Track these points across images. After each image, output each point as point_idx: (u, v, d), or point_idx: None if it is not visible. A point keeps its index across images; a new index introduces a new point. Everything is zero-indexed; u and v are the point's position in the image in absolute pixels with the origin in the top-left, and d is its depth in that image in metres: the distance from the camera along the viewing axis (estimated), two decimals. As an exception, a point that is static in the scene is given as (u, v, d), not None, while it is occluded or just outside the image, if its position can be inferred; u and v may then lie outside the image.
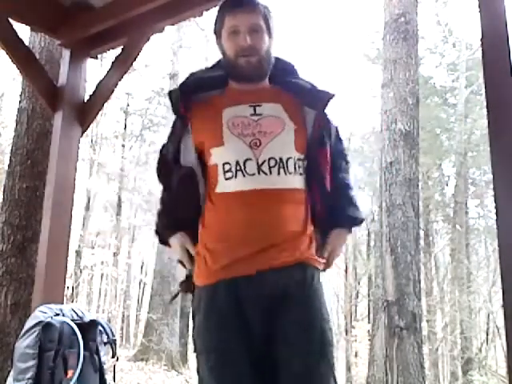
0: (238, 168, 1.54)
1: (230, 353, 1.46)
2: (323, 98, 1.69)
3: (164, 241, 1.72)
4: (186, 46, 11.71)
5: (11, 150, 4.05)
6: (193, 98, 1.67)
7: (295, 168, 1.58)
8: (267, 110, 1.63)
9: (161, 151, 1.79)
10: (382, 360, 5.27)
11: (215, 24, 1.73)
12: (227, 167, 1.56)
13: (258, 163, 1.53)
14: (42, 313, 2.51)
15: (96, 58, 3.38)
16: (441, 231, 15.78)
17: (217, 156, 1.59)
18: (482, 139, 12.98)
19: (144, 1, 2.77)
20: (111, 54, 3.42)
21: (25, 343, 2.42)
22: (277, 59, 1.75)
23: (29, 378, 2.37)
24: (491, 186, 1.77)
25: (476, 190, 14.93)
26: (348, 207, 1.69)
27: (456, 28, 14.40)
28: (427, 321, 11.56)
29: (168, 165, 1.71)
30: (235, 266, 1.50)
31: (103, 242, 14.91)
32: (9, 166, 4.01)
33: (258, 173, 1.53)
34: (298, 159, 1.60)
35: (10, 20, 3.06)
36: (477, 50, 12.92)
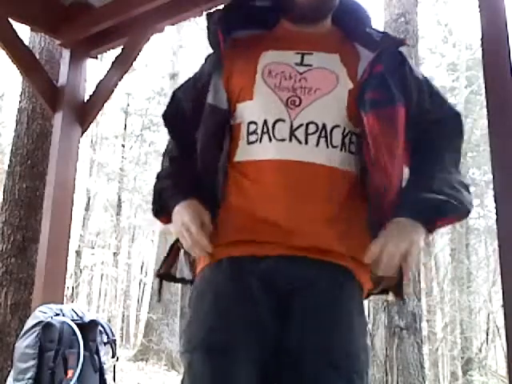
0: (265, 130, 1.18)
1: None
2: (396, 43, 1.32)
3: (164, 211, 1.28)
4: (186, 46, 11.71)
5: (11, 150, 4.05)
6: (232, 32, 1.31)
7: (343, 142, 1.19)
8: (318, 61, 1.24)
9: (174, 93, 1.44)
10: (382, 360, 5.28)
11: None
12: (252, 128, 1.21)
13: (291, 126, 1.17)
14: (42, 313, 2.51)
15: (96, 57, 3.38)
16: (441, 231, 15.78)
17: (243, 112, 1.23)
18: (482, 139, 12.98)
19: (144, 1, 2.77)
20: (111, 54, 3.42)
21: (25, 343, 2.42)
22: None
23: (29, 378, 2.37)
24: (491, 186, 1.76)
25: (476, 190, 14.93)
26: (425, 192, 1.17)
27: (456, 28, 14.40)
28: (427, 321, 11.55)
29: (182, 111, 1.38)
30: None
31: (103, 242, 14.91)
32: (9, 166, 4.01)
33: (290, 139, 1.16)
34: (350, 132, 1.20)
35: (10, 20, 3.06)
36: (477, 50, 12.91)
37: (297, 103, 1.18)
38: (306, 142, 1.16)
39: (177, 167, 1.33)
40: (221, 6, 1.36)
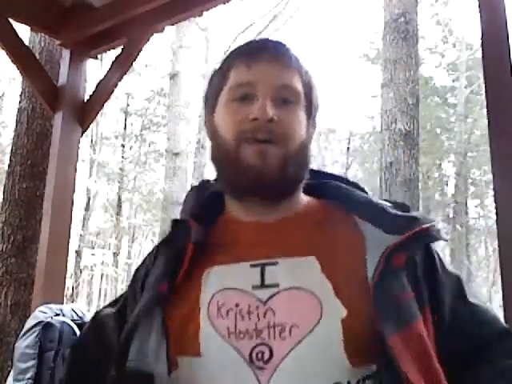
0: None
1: None
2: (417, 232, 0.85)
3: None
4: (186, 46, 11.70)
5: (11, 150, 4.05)
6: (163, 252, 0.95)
7: None
8: (288, 275, 0.83)
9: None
10: (382, 360, 5.28)
11: (209, 87, 0.99)
12: None
13: None
14: (42, 313, 2.51)
15: (96, 58, 3.38)
16: (441, 231, 15.75)
17: (188, 374, 0.81)
18: (482, 139, 12.99)
19: (144, 1, 2.76)
20: (111, 54, 3.42)
21: (25, 343, 2.42)
22: (316, 172, 0.98)
23: (29, 378, 2.37)
24: (491, 186, 1.76)
25: (476, 190, 14.93)
26: None
27: (456, 28, 14.42)
28: (427, 321, 11.53)
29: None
30: None
31: (103, 242, 14.92)
32: (9, 166, 4.01)
33: None
34: (358, 381, 0.77)
35: (10, 20, 3.06)
36: (477, 50, 12.91)
37: (265, 357, 0.76)
38: None
39: None
40: (220, 6, 1.36)
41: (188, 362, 0.81)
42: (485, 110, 1.83)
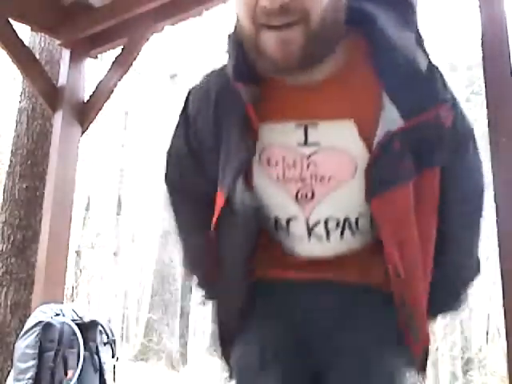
0: (279, 226, 0.99)
1: None
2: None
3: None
4: (186, 46, 11.70)
5: (11, 150, 4.05)
6: (219, 111, 1.00)
7: (372, 227, 0.97)
8: (327, 137, 0.93)
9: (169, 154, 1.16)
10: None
11: None
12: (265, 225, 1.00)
13: (307, 224, 0.96)
14: (42, 313, 2.51)
15: (96, 57, 3.39)
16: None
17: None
18: (482, 139, 12.97)
19: (144, 1, 2.77)
20: (111, 54, 3.42)
21: (25, 343, 2.42)
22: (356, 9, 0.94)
23: (29, 378, 2.37)
24: (491, 186, 1.76)
25: (476, 189, 14.93)
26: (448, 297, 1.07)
27: (456, 28, 14.42)
28: (427, 321, 11.54)
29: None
30: None
31: (103, 242, 14.91)
32: (9, 166, 4.01)
33: (309, 238, 0.97)
34: (357, 219, 0.98)
35: (10, 20, 3.06)
36: (477, 50, 12.92)
37: (309, 196, 0.95)
38: (328, 239, 0.97)
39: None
40: (220, 6, 1.36)
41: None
42: (485, 110, 1.83)
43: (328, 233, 0.96)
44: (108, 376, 2.57)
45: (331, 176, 0.93)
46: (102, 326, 2.60)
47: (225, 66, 1.01)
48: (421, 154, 0.92)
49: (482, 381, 10.45)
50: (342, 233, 0.96)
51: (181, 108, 1.09)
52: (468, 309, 12.15)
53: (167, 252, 10.84)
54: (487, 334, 12.87)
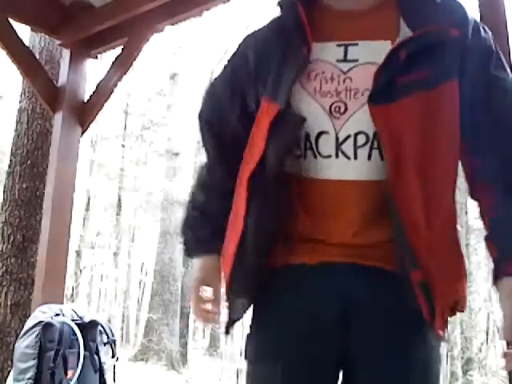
0: (308, 145, 1.00)
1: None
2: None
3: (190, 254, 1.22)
4: (186, 46, 11.71)
5: (11, 150, 4.05)
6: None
7: None
8: (366, 54, 1.01)
9: (212, 84, 1.25)
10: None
11: None
12: None
13: (337, 139, 0.98)
14: (42, 313, 2.51)
15: (96, 57, 3.39)
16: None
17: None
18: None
19: (144, 1, 2.77)
20: (111, 54, 3.42)
21: (25, 343, 2.42)
22: None
23: (29, 378, 2.37)
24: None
25: (476, 189, 14.92)
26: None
27: (456, 28, 14.44)
28: (427, 321, 11.53)
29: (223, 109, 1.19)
30: None
31: (103, 242, 14.92)
32: (9, 166, 4.01)
33: (336, 155, 0.98)
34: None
35: (10, 20, 3.07)
36: (477, 50, 12.92)
37: (342, 110, 0.98)
38: (356, 157, 0.97)
39: (208, 200, 1.20)
40: (220, 6, 1.36)
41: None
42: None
43: (356, 151, 0.97)
44: (108, 376, 2.57)
45: (365, 90, 0.97)
46: (102, 326, 2.60)
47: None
48: (434, 66, 0.98)
49: (482, 381, 10.44)
50: (369, 154, 0.97)
51: (232, 52, 1.21)
52: (468, 309, 12.16)
53: (167, 252, 10.84)
54: (487, 334, 12.88)
